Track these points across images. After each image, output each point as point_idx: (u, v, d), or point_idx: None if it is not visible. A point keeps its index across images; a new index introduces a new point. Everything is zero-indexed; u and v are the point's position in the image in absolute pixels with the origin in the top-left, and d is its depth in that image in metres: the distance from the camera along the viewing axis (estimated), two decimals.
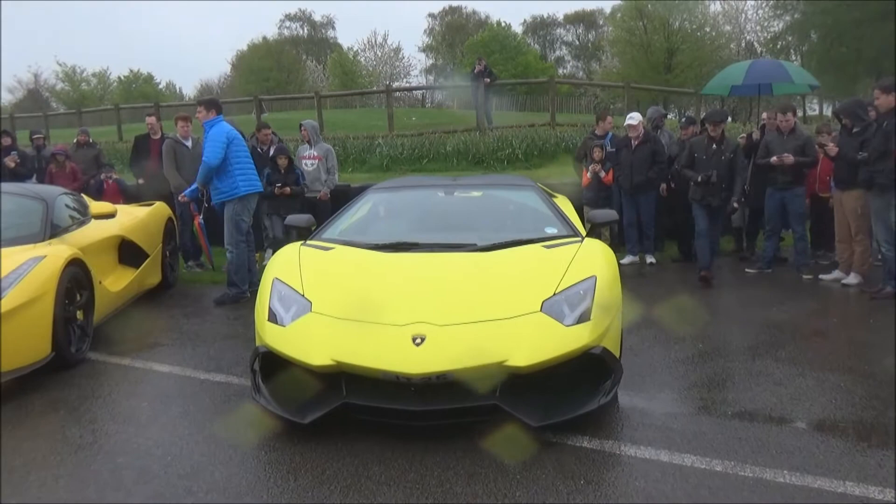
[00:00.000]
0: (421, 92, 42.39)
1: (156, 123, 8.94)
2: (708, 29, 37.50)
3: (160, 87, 48.38)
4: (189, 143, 7.75)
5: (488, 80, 14.85)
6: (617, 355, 3.54)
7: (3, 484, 2.96)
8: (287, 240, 6.19)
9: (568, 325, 3.34)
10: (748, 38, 40.09)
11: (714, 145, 6.70)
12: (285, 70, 45.56)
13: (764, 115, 8.58)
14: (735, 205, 6.80)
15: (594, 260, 3.85)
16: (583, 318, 3.39)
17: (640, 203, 7.46)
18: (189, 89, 48.28)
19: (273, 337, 3.46)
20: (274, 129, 8.89)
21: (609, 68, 42.14)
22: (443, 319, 3.31)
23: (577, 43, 55.84)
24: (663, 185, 7.57)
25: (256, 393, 3.51)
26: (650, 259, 7.59)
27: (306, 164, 8.17)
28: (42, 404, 3.91)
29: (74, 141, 10.52)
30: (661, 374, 4.23)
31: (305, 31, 53.10)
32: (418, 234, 4.38)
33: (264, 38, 48.48)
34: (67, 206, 5.70)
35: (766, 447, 3.19)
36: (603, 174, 7.43)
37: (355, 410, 3.25)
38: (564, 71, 50.36)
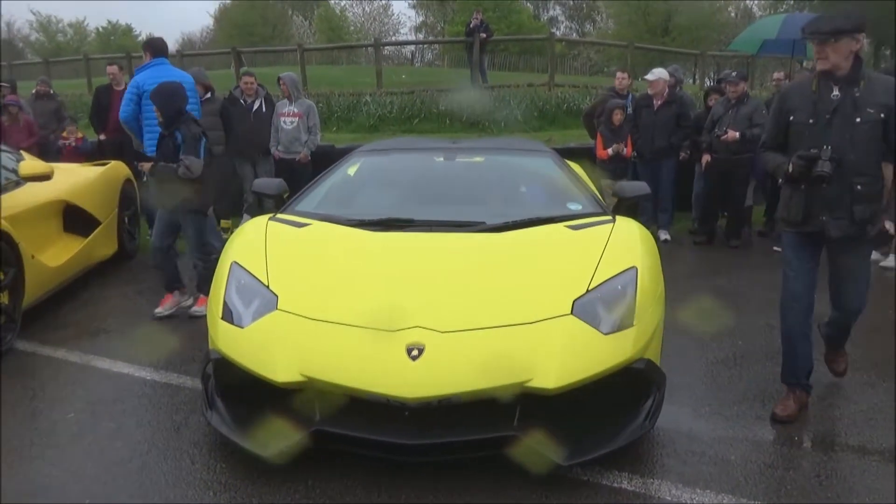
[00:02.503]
0: (410, 50, 40.97)
1: (118, 73, 8.03)
2: None
3: (139, 39, 46.28)
4: None
5: (484, 35, 13.89)
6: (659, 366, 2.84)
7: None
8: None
9: (606, 333, 2.62)
10: (747, 3, 39.12)
11: (837, 93, 2.86)
12: (270, 25, 43.75)
13: (776, 75, 7.81)
14: (892, 229, 3.73)
15: (632, 245, 3.11)
16: (624, 323, 2.66)
17: (661, 171, 6.68)
18: (171, 43, 46.07)
19: (228, 341, 2.70)
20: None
21: (604, 30, 41.04)
22: (446, 324, 2.57)
23: (571, 3, 54.24)
24: (683, 154, 6.79)
25: (209, 409, 2.77)
26: (664, 235, 6.85)
27: (285, 123, 7.29)
28: None
29: (33, 92, 9.53)
30: (702, 383, 3.53)
31: None
32: (413, 209, 3.60)
33: None
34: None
35: (853, 488, 2.52)
36: (625, 150, 6.52)
37: (331, 440, 2.53)
38: (558, 32, 48.93)
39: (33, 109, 8.78)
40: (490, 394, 2.42)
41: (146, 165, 4.56)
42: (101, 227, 5.50)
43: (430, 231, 3.29)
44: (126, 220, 6.14)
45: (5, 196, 4.44)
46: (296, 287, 2.84)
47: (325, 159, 7.43)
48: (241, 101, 7.17)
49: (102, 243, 5.59)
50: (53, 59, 21.90)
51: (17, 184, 4.72)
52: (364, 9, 47.44)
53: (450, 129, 10.66)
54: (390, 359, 2.45)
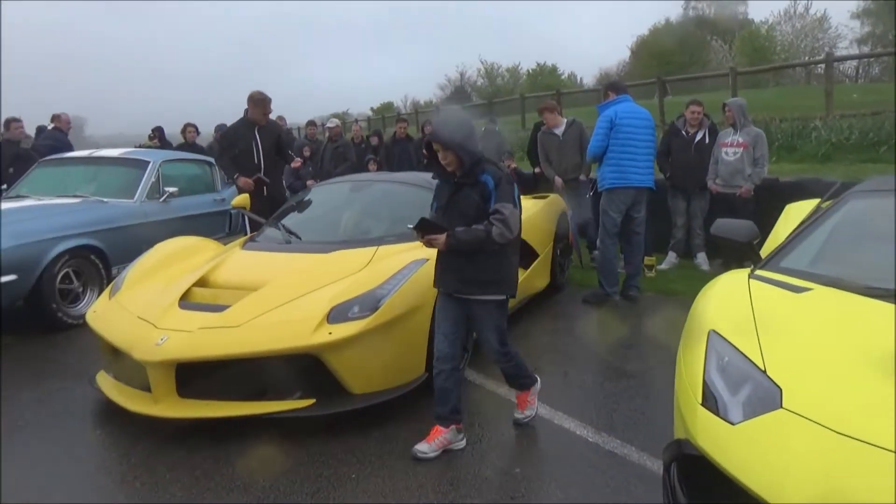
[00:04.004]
0: (852, 66, 35.33)
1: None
2: None
3: (563, 77, 49.97)
4: (558, 131, 6.95)
5: None
6: None
7: None
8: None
9: None
10: None
11: None
12: (687, 52, 42.68)
13: None
14: None
15: None
16: None
17: None
18: (588, 78, 48.88)
19: (709, 437, 2.12)
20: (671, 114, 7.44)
21: None
22: None
23: None
24: None
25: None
26: None
27: (726, 154, 6.51)
28: (399, 445, 3.27)
29: (482, 129, 10.73)
30: None
31: (712, 10, 49.09)
32: None
33: (667, 21, 46.35)
34: None
35: None
36: None
37: None
38: None
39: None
40: None
41: (440, 240, 3.02)
42: (538, 259, 5.57)
43: None
44: (559, 252, 6.16)
45: None
46: (806, 378, 2.12)
47: (769, 194, 6.43)
48: (684, 133, 6.66)
49: (539, 275, 5.65)
50: (495, 100, 24.94)
51: None
52: (794, 25, 42.87)
53: None
54: None
